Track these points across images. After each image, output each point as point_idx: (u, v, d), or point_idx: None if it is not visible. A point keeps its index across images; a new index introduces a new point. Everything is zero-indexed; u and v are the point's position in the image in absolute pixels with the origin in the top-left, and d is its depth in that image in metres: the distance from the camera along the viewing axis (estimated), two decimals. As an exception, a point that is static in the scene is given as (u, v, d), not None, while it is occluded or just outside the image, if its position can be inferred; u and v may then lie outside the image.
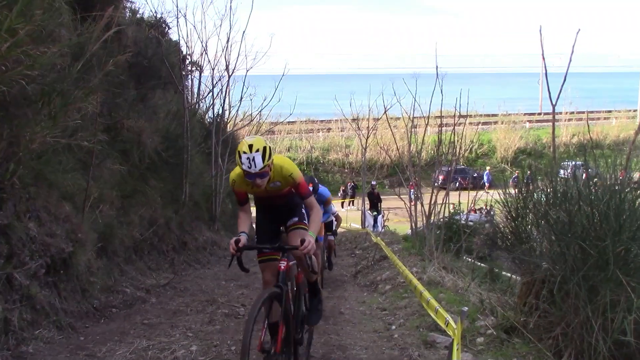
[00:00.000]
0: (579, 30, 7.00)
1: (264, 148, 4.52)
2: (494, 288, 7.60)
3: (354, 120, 26.22)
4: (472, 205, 14.25)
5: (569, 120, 46.78)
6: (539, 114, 52.84)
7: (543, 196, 5.68)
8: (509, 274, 8.47)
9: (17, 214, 6.10)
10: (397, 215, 29.47)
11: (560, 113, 47.06)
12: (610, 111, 54.87)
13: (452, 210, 13.81)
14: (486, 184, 33.39)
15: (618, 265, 4.70)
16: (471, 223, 12.89)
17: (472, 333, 5.91)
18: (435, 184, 13.90)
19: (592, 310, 4.78)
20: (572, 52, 7.06)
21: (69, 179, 7.61)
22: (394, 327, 7.08)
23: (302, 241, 4.60)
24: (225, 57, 15.50)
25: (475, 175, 36.01)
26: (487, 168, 39.21)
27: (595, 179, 5.39)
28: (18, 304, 5.70)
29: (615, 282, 4.70)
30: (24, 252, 5.99)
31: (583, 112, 46.39)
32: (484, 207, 19.71)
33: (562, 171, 6.29)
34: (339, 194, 35.99)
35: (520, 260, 5.84)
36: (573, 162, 6.76)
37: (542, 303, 5.33)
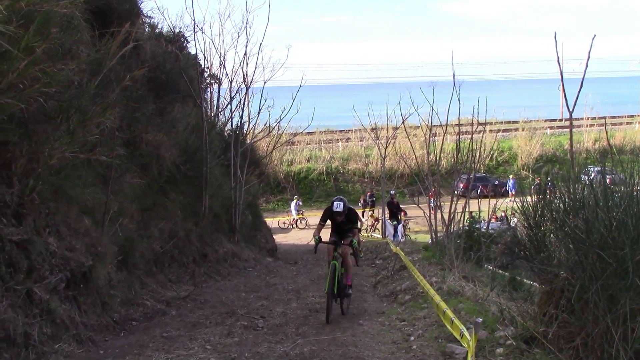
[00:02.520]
0: (594, 36, 6.95)
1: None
2: (514, 297, 7.52)
3: (372, 129, 26.20)
4: (493, 213, 14.14)
5: (591, 125, 46.25)
6: (560, 120, 52.24)
7: (560, 204, 5.60)
8: (530, 282, 8.38)
9: (36, 229, 6.18)
10: (418, 224, 29.35)
11: (582, 119, 46.57)
12: (632, 116, 54.11)
13: (469, 219, 13.70)
14: (511, 192, 33.05)
15: (638, 273, 4.62)
16: (492, 231, 12.77)
17: (491, 343, 5.84)
18: (455, 192, 13.80)
19: (612, 320, 4.71)
20: (589, 58, 7.00)
21: (89, 193, 7.69)
22: (412, 338, 7.03)
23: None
24: (243, 70, 15.64)
25: (497, 182, 35.71)
26: (511, 176, 38.81)
27: (613, 186, 5.32)
28: (38, 318, 5.76)
29: (635, 291, 4.62)
30: (43, 267, 6.07)
31: (604, 118, 45.80)
32: (503, 215, 19.60)
33: (585, 177, 6.21)
34: (359, 204, 35.89)
35: (538, 269, 5.76)
36: (595, 168, 6.67)
37: (562, 313, 5.25)
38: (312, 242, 9.26)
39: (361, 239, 15.48)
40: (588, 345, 4.92)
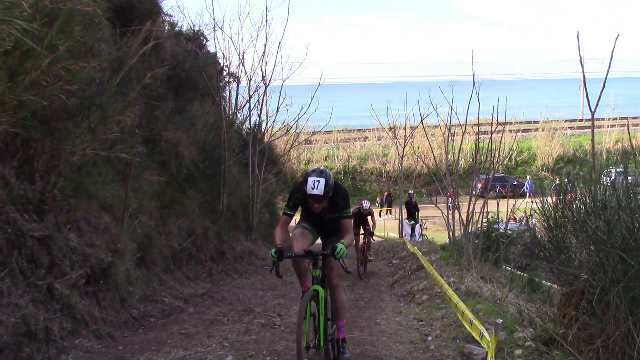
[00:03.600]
0: (618, 35, 6.85)
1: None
2: (533, 298, 7.46)
3: (390, 129, 26.15)
4: (511, 213, 14.04)
5: (612, 126, 45.75)
6: (580, 120, 51.72)
7: (581, 205, 5.55)
8: (549, 284, 8.30)
9: (57, 225, 6.24)
10: (435, 224, 29.24)
11: (603, 119, 46.08)
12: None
13: (486, 219, 13.60)
14: (527, 192, 32.83)
15: (660, 276, 4.57)
16: (510, 232, 12.67)
17: (510, 345, 5.80)
18: (474, 193, 13.72)
19: (633, 323, 4.65)
20: (612, 57, 6.90)
21: (109, 190, 7.76)
22: (430, 338, 7.00)
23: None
24: (261, 68, 15.67)
25: (515, 183, 35.49)
26: (528, 177, 38.56)
27: (636, 187, 5.25)
28: (59, 314, 5.82)
29: (658, 294, 4.56)
30: (64, 263, 6.12)
31: (626, 118, 45.26)
32: (523, 216, 19.44)
33: (605, 178, 6.14)
34: (376, 203, 35.88)
35: (558, 271, 5.71)
36: (615, 169, 6.59)
37: (582, 315, 5.20)
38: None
39: (372, 239, 14.45)
40: (609, 347, 4.87)
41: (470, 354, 5.95)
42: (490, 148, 12.36)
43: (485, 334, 4.75)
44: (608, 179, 6.11)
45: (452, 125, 14.37)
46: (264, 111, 16.93)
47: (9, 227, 5.44)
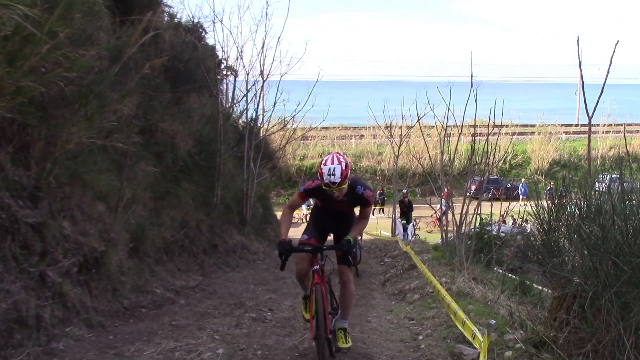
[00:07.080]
0: (618, 41, 6.85)
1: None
2: (524, 301, 7.48)
3: (386, 127, 26.14)
4: (503, 216, 14.07)
5: (607, 132, 45.90)
6: (576, 125, 51.92)
7: (576, 209, 5.56)
8: (540, 287, 8.33)
9: (51, 212, 6.22)
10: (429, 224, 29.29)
11: (598, 125, 46.21)
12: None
13: (480, 220, 13.63)
14: (521, 195, 32.96)
15: (653, 282, 4.59)
16: (503, 234, 12.70)
17: (500, 346, 5.82)
18: (467, 194, 13.73)
19: (624, 328, 4.67)
20: (610, 63, 6.89)
21: (103, 179, 7.73)
22: (421, 337, 7.02)
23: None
24: (260, 62, 15.65)
25: (509, 185, 35.60)
26: (522, 180, 38.66)
27: (631, 194, 5.27)
28: (50, 301, 5.80)
29: (650, 300, 4.59)
30: (57, 250, 6.10)
31: (621, 125, 45.41)
32: (511, 218, 19.48)
33: (597, 184, 6.16)
34: (370, 202, 35.96)
35: (551, 274, 5.73)
36: (609, 175, 6.60)
37: (573, 318, 5.22)
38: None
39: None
40: (599, 352, 4.89)
41: (461, 354, 5.97)
42: (486, 150, 12.37)
43: (478, 335, 4.76)
44: (601, 185, 6.13)
45: (449, 125, 14.36)
46: (260, 105, 16.90)
47: (2, 212, 5.42)
